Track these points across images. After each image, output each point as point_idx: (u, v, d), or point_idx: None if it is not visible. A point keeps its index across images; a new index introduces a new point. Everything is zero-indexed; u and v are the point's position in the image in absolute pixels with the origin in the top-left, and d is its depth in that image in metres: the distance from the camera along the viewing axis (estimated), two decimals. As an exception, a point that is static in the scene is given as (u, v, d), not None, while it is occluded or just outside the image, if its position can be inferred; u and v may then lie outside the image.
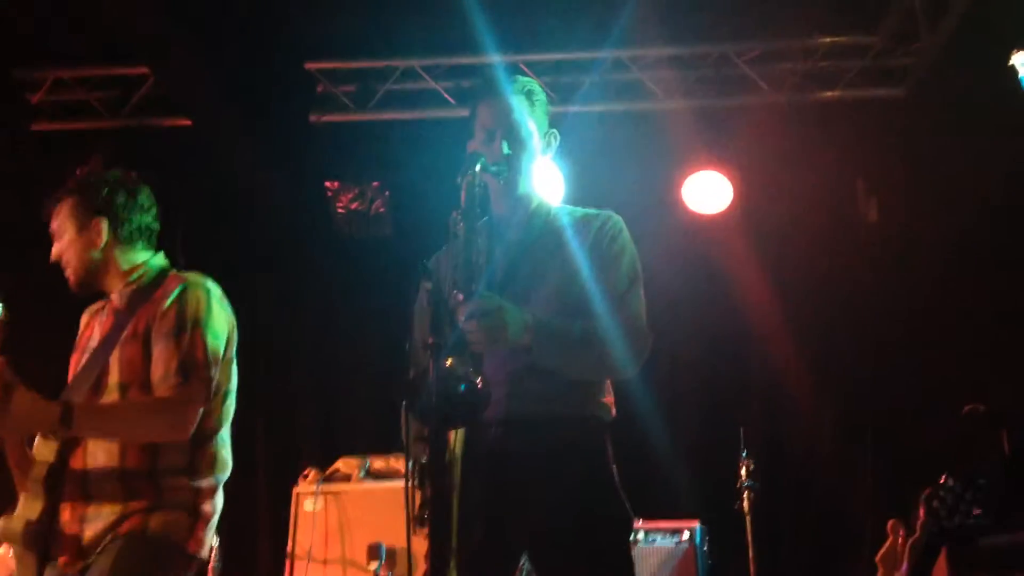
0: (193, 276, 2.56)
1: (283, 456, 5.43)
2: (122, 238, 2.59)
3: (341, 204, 5.59)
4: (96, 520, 2.37)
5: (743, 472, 4.25)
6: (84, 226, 2.57)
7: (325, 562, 4.19)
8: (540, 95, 2.49)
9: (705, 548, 4.15)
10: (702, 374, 5.42)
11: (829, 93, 5.37)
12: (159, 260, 2.64)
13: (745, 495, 4.22)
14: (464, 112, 5.59)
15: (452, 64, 5.42)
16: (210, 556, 3.94)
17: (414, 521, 1.91)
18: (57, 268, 2.62)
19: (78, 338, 2.65)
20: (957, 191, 5.06)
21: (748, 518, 4.20)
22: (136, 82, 5.33)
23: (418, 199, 5.47)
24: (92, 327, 2.63)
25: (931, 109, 5.13)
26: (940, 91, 5.08)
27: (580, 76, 5.39)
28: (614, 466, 2.31)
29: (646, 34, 5.12)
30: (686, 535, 4.11)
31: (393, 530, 4.02)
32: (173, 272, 2.60)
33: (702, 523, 4.22)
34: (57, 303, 2.75)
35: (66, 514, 2.39)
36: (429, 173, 5.32)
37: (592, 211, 2.49)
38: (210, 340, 2.46)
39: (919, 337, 5.12)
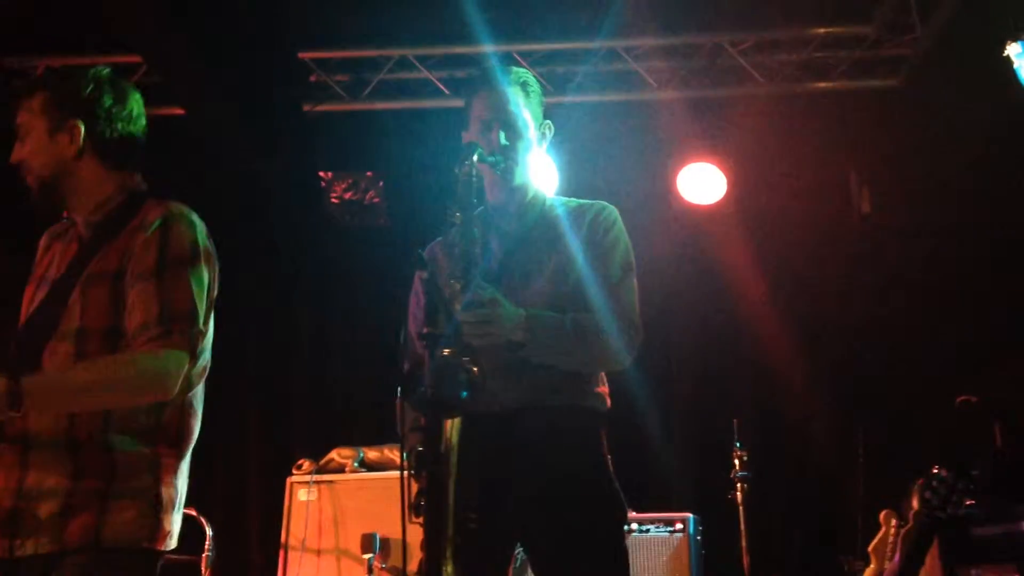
0: (176, 206, 2.13)
1: (276, 446, 5.43)
2: (101, 149, 2.14)
3: (335, 194, 5.58)
4: (38, 499, 1.95)
5: (736, 463, 4.26)
6: (58, 127, 2.12)
7: (319, 552, 4.19)
8: (535, 86, 2.50)
9: (699, 538, 4.17)
10: (695, 365, 5.43)
11: (823, 83, 5.36)
12: (138, 182, 2.20)
13: (738, 486, 4.24)
14: (458, 102, 5.59)
15: (446, 54, 5.39)
16: (204, 547, 3.98)
17: (410, 510, 1.90)
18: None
19: (35, 265, 2.22)
20: (951, 182, 5.07)
21: (741, 509, 4.21)
22: (128, 71, 5.28)
23: (412, 188, 5.46)
24: (53, 254, 2.20)
25: (926, 100, 5.13)
26: (935, 82, 5.08)
27: (574, 66, 5.37)
28: (609, 456, 2.33)
29: (640, 24, 5.11)
30: (679, 525, 4.12)
31: (387, 521, 4.02)
32: (152, 199, 2.16)
33: (695, 514, 4.23)
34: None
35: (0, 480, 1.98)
36: (423, 162, 5.32)
37: (587, 202, 2.51)
38: (195, 284, 2.05)
39: (913, 328, 5.14)
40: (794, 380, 5.25)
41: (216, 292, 2.18)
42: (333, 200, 5.60)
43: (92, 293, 2.05)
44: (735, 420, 4.40)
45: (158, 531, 2.02)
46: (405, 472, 1.93)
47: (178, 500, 2.10)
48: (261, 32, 4.89)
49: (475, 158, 2.24)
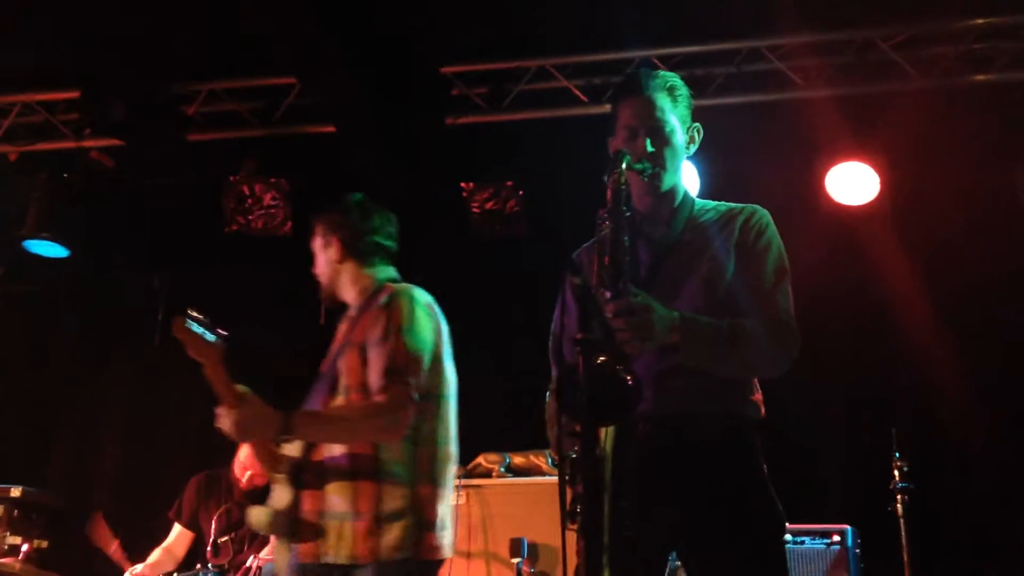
0: (401, 286, 2.78)
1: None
2: (355, 255, 2.85)
3: (476, 204, 5.67)
4: (331, 519, 2.57)
5: (896, 474, 4.08)
6: (327, 243, 2.88)
7: (468, 555, 4.27)
8: (683, 90, 2.47)
9: (857, 551, 4.01)
10: (850, 372, 5.23)
11: (983, 76, 5.08)
12: (387, 273, 2.88)
13: (899, 498, 4.06)
14: (596, 109, 5.59)
15: (583, 61, 5.41)
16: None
17: (565, 517, 1.91)
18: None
19: (331, 346, 2.88)
20: None
21: (902, 521, 4.03)
22: (283, 91, 5.55)
23: (551, 197, 5.50)
24: (338, 335, 2.87)
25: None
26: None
27: (715, 68, 5.28)
28: (765, 465, 2.28)
29: (784, 22, 4.98)
30: (837, 537, 3.98)
31: (534, 525, 4.06)
32: (389, 283, 2.81)
33: (853, 526, 4.08)
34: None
35: (307, 504, 2.62)
36: (562, 171, 5.35)
37: (737, 205, 2.46)
38: (411, 345, 2.60)
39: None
40: (956, 387, 4.98)
41: (444, 345, 2.74)
42: (474, 210, 5.69)
43: (349, 357, 2.69)
44: (893, 429, 4.23)
45: (422, 546, 2.54)
46: (559, 478, 1.93)
47: (439, 520, 2.61)
48: (407, 50, 5.05)
49: (624, 166, 2.23)
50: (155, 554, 4.55)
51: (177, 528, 4.66)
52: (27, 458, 6.04)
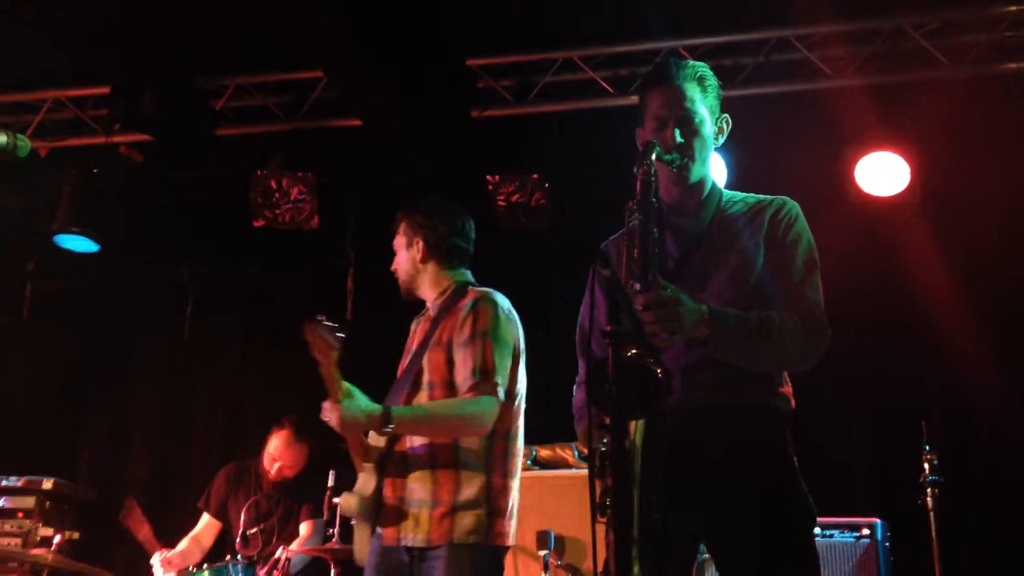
0: (484, 291, 2.92)
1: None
2: (438, 256, 2.98)
3: (502, 197, 5.66)
4: (410, 505, 2.77)
5: (926, 466, 4.04)
6: (410, 243, 3.00)
7: (495, 548, 4.26)
8: (712, 80, 2.45)
9: (887, 545, 3.96)
10: (879, 365, 5.17)
11: (1015, 65, 5.00)
12: (465, 276, 3.01)
13: (928, 491, 4.01)
14: (622, 100, 5.55)
15: (610, 53, 5.38)
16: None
17: (596, 509, 1.91)
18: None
19: (407, 343, 3.06)
20: None
21: (932, 515, 3.99)
22: (309, 86, 5.57)
23: (578, 189, 5.48)
24: (415, 333, 3.04)
25: None
26: None
27: (742, 58, 5.24)
28: (796, 458, 2.26)
29: (813, 10, 4.92)
30: (866, 531, 3.94)
31: (561, 518, 4.05)
32: (471, 287, 2.96)
33: (883, 519, 4.03)
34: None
35: (388, 490, 2.82)
36: (588, 163, 5.33)
37: (766, 197, 2.44)
38: (496, 348, 2.77)
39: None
40: (987, 380, 4.92)
41: (522, 348, 2.91)
42: (500, 203, 5.68)
43: (434, 356, 2.86)
44: (923, 422, 4.19)
45: (492, 532, 2.75)
46: (590, 471, 1.93)
47: (509, 510, 2.80)
48: (431, 42, 5.04)
49: (653, 157, 2.22)
50: (183, 543, 4.60)
51: (205, 517, 4.71)
52: (58, 451, 6.13)
